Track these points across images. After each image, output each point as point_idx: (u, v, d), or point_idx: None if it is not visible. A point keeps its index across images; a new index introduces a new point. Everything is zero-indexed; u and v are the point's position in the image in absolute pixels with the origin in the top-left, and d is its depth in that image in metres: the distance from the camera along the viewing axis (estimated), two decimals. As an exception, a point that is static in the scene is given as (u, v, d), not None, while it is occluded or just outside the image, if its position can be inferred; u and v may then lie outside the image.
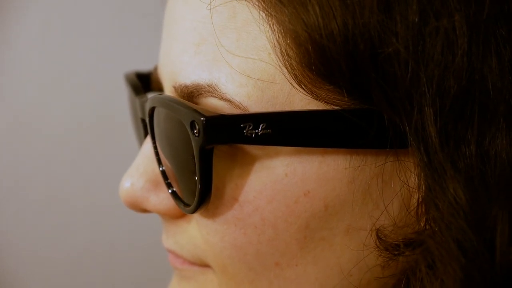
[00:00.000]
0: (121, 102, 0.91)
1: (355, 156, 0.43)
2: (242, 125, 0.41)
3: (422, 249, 0.42)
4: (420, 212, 0.43)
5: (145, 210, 0.49)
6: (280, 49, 0.41)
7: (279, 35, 0.41)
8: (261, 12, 0.42)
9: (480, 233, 0.40)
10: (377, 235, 0.43)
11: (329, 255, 0.45)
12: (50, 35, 1.08)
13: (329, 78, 0.41)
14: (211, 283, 0.49)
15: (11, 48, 1.07)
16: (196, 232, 0.48)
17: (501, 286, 0.41)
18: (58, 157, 1.14)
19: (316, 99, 0.42)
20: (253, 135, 0.41)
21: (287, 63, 0.41)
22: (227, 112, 0.42)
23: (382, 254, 0.44)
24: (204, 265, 0.49)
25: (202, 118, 0.41)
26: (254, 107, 0.42)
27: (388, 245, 0.43)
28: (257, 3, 0.42)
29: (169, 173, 0.48)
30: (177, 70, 0.45)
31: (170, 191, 0.47)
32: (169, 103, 0.44)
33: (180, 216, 0.49)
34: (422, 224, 0.43)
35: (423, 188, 0.42)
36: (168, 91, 0.47)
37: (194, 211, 0.45)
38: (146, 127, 0.50)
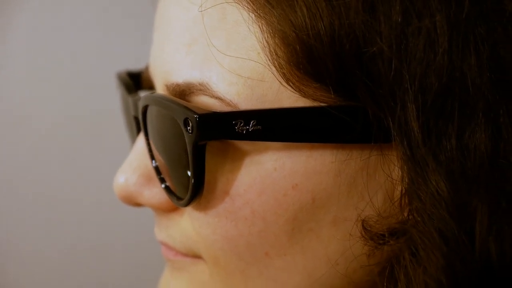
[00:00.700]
0: (112, 100, 0.93)
1: (341, 151, 0.45)
2: (233, 122, 0.43)
3: (405, 238, 0.44)
4: (403, 203, 0.45)
5: (138, 204, 0.51)
6: (269, 48, 0.43)
7: (268, 35, 0.43)
8: (250, 14, 0.44)
9: (460, 223, 0.42)
10: (363, 225, 0.45)
11: (316, 245, 0.46)
12: (41, 33, 1.09)
13: (316, 76, 0.43)
14: (203, 273, 0.50)
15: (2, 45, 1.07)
16: (188, 225, 0.49)
17: (480, 273, 0.43)
18: (49, 155, 1.14)
19: (303, 97, 0.43)
20: (244, 131, 0.43)
21: (275, 62, 0.43)
22: (218, 110, 0.44)
23: (367, 244, 0.45)
24: (196, 256, 0.50)
25: (195, 115, 0.43)
26: (244, 105, 0.44)
27: (373, 235, 0.45)
28: (246, 5, 0.44)
29: (162, 168, 0.50)
30: (169, 69, 0.47)
31: (163, 185, 0.49)
32: (162, 101, 0.46)
33: (173, 210, 0.51)
34: (406, 214, 0.45)
35: (406, 180, 0.44)
36: (160, 89, 0.48)
37: (187, 205, 0.46)
38: (139, 124, 0.51)
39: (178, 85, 0.46)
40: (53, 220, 1.17)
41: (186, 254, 0.51)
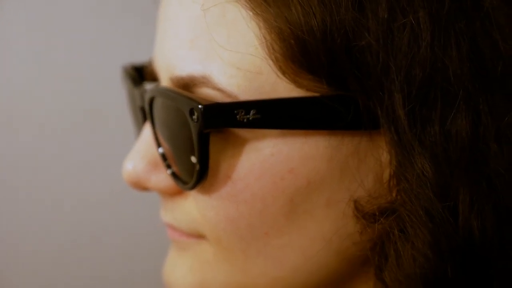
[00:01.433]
0: (110, 94, 0.94)
1: (333, 137, 0.48)
2: (235, 111, 0.46)
3: (395, 217, 0.47)
4: (392, 184, 0.48)
5: (146, 188, 0.55)
6: (266, 44, 0.46)
7: (265, 31, 0.46)
8: (248, 11, 0.47)
9: (444, 201, 0.46)
10: (355, 206, 0.49)
11: (311, 225, 0.50)
12: (38, 30, 1.10)
13: (309, 69, 0.46)
14: (206, 252, 0.54)
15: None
16: (193, 208, 0.53)
17: (464, 248, 0.46)
18: (47, 152, 1.15)
19: (298, 87, 0.47)
20: (245, 120, 0.46)
21: (272, 56, 0.47)
22: (219, 100, 0.48)
23: (359, 222, 0.49)
24: (200, 236, 0.54)
25: (200, 106, 0.46)
26: (244, 96, 0.47)
27: (365, 214, 0.48)
28: (245, 4, 0.47)
29: (167, 155, 0.53)
30: (173, 63, 0.50)
31: (169, 171, 0.53)
32: (168, 93, 0.50)
33: (178, 193, 0.54)
34: (394, 194, 0.48)
35: (394, 163, 0.48)
36: (165, 82, 0.52)
37: (192, 188, 0.50)
38: (145, 115, 0.55)
39: (181, 78, 0.49)
40: (52, 218, 1.18)
41: (191, 235, 0.55)
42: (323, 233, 0.50)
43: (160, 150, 0.53)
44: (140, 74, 0.60)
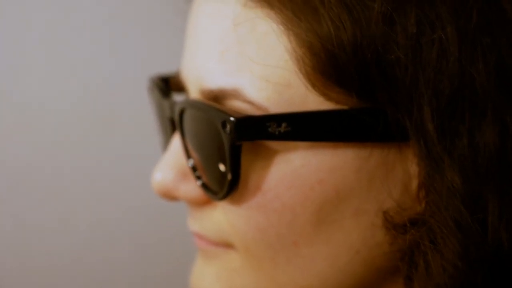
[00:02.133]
0: (122, 101, 0.95)
1: (362, 149, 0.49)
2: (267, 124, 0.48)
3: (425, 227, 0.48)
4: (420, 195, 0.49)
5: (175, 198, 0.56)
6: (296, 57, 0.47)
7: (296, 45, 0.47)
8: (279, 26, 0.48)
9: (474, 212, 0.47)
10: (384, 216, 0.50)
11: (339, 235, 0.51)
12: (53, 33, 1.10)
13: (339, 82, 0.47)
14: (234, 261, 0.55)
15: (15, 45, 1.09)
16: (221, 217, 0.54)
17: (493, 259, 0.47)
18: (59, 154, 1.15)
19: (327, 100, 0.48)
20: (277, 133, 0.48)
21: (302, 69, 0.48)
22: (250, 113, 0.49)
23: (389, 233, 0.50)
24: (228, 245, 0.55)
25: (232, 119, 0.47)
26: (274, 108, 0.48)
27: (395, 225, 0.49)
28: (276, 18, 0.48)
29: (197, 166, 0.54)
30: (202, 75, 0.51)
31: (199, 182, 0.54)
32: (200, 105, 0.51)
33: (206, 203, 0.55)
34: (423, 205, 0.49)
35: (423, 175, 0.49)
36: (194, 93, 0.53)
37: (222, 199, 0.51)
38: (174, 125, 0.56)
39: (211, 90, 0.50)
40: (62, 220, 1.17)
41: (218, 244, 0.56)
42: (351, 243, 0.51)
43: (190, 161, 0.54)
44: (167, 85, 0.61)
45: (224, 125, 0.48)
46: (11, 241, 1.14)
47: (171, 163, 0.55)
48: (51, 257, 1.17)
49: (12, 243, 1.15)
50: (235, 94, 0.49)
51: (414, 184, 0.50)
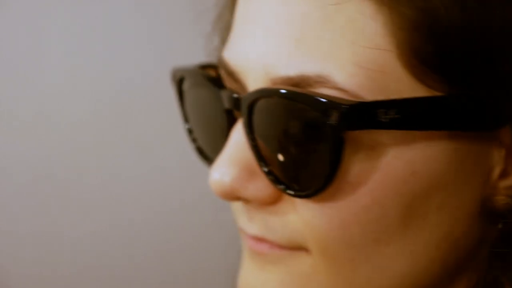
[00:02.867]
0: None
1: (455, 138, 0.47)
2: (376, 111, 0.44)
3: None
4: (503, 185, 0.48)
5: (238, 199, 0.50)
6: (394, 39, 0.44)
7: (392, 26, 0.44)
8: (371, 6, 0.44)
9: None
10: (480, 207, 0.48)
11: (423, 231, 0.48)
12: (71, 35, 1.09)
13: (438, 68, 0.44)
14: (303, 265, 0.50)
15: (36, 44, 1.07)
16: (294, 217, 0.49)
17: None
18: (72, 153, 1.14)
19: (424, 87, 0.45)
20: (385, 121, 0.44)
21: (400, 52, 0.44)
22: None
23: (470, 227, 0.48)
24: (299, 248, 0.50)
25: (344, 106, 0.43)
26: (367, 96, 0.45)
27: (491, 214, 0.48)
28: None
29: (271, 161, 0.49)
30: (274, 63, 0.47)
31: (275, 179, 0.49)
32: (289, 94, 0.46)
33: (273, 202, 0.50)
34: (506, 196, 0.48)
35: (509, 163, 0.47)
36: (259, 83, 0.48)
37: (310, 196, 0.47)
38: (230, 118, 0.51)
39: (289, 78, 0.46)
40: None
41: (285, 247, 0.51)
42: (432, 239, 0.49)
43: (259, 156, 0.49)
44: (218, 75, 0.56)
45: (326, 113, 0.44)
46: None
47: (236, 159, 0.50)
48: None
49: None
50: (321, 81, 0.45)
51: (496, 173, 0.48)
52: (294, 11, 0.46)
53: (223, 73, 0.53)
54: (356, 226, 0.47)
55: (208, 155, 0.59)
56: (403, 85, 0.45)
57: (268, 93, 0.48)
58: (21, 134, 1.10)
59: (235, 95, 0.51)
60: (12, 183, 1.12)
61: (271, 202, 0.50)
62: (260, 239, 0.52)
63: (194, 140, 0.60)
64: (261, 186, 0.50)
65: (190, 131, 0.60)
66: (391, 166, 0.46)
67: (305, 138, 0.47)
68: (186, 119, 0.60)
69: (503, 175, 0.48)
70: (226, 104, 0.52)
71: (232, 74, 0.51)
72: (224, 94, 0.52)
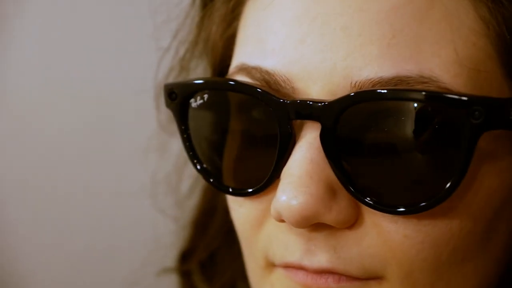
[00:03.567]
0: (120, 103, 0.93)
1: None
2: (511, 110, 0.41)
3: None
4: None
5: (316, 222, 0.44)
6: (494, 35, 0.42)
7: (493, 20, 0.42)
8: (469, 1, 0.42)
9: None
10: None
11: (496, 243, 0.46)
12: (52, 34, 1.04)
13: None
14: None
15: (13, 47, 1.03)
16: (374, 240, 0.44)
17: None
18: (59, 158, 1.09)
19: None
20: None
21: (501, 50, 0.42)
22: None
23: None
24: (373, 277, 0.45)
25: (490, 102, 0.40)
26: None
27: None
28: None
29: (356, 177, 0.43)
30: (359, 65, 0.42)
31: (385, 208, 0.43)
32: (418, 96, 0.41)
33: (351, 225, 0.44)
34: None
35: None
36: (333, 88, 0.43)
37: (423, 210, 0.42)
38: (286, 133, 0.45)
39: (383, 79, 0.42)
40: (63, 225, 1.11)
41: (357, 277, 0.45)
42: (500, 252, 0.47)
43: (344, 173, 0.43)
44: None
45: (473, 114, 0.40)
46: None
47: (316, 177, 0.42)
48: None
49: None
50: (424, 81, 0.41)
51: None
52: (384, 7, 0.42)
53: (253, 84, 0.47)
54: (449, 243, 0.43)
55: (220, 180, 0.51)
56: (503, 85, 0.43)
57: (376, 96, 0.42)
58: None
59: (320, 104, 0.43)
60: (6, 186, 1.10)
61: (349, 224, 0.44)
62: (325, 272, 0.45)
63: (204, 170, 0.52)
64: (344, 205, 0.43)
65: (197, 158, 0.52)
66: (504, 174, 0.44)
67: (424, 143, 0.42)
68: (188, 139, 0.51)
69: None
70: (292, 115, 0.44)
71: (277, 84, 0.45)
72: (291, 104, 0.44)
